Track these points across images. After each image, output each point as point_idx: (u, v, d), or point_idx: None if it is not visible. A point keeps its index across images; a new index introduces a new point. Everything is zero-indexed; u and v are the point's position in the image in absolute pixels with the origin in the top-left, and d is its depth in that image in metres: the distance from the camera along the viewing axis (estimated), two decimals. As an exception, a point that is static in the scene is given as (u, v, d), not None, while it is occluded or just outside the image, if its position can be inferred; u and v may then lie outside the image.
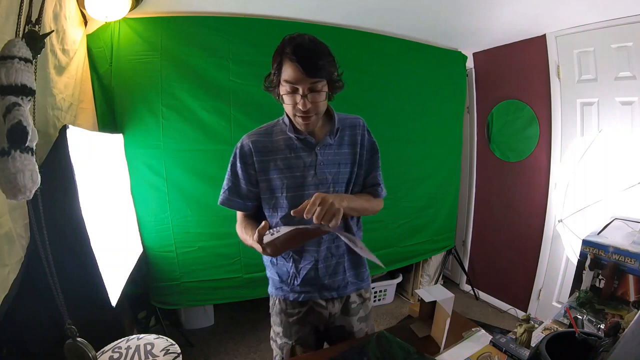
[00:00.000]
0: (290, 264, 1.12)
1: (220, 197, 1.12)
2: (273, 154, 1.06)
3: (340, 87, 1.04)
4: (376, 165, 1.16)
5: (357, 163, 1.11)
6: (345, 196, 1.04)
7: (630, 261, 1.10)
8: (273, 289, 1.20)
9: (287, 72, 0.94)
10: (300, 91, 0.94)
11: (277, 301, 1.18)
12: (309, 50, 0.93)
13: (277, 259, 1.15)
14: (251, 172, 1.07)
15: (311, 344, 1.19)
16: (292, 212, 0.87)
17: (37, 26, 0.93)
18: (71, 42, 1.45)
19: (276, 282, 1.18)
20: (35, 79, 0.82)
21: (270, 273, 1.20)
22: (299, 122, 1.01)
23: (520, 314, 2.56)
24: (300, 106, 0.95)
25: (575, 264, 1.30)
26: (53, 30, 1.23)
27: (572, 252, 1.73)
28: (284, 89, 0.97)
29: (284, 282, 1.16)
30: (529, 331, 0.96)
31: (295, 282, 1.13)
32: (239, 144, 1.11)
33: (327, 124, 1.09)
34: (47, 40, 1.00)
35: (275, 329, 1.20)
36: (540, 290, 2.50)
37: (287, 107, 1.00)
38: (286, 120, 1.08)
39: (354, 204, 1.05)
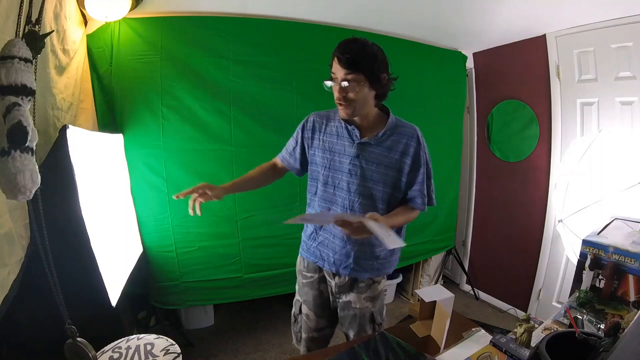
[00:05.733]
0: (314, 227, 1.33)
1: (281, 153, 1.38)
2: (323, 134, 1.26)
3: (386, 86, 1.19)
4: (418, 180, 1.24)
5: (403, 171, 1.21)
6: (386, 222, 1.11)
7: (630, 261, 1.10)
8: (301, 249, 1.41)
9: (333, 65, 1.13)
10: (338, 81, 1.11)
11: (300, 260, 1.40)
12: (349, 46, 1.09)
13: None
14: (305, 141, 1.30)
15: (317, 307, 1.37)
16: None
17: (37, 26, 0.93)
18: (71, 42, 1.45)
19: (304, 241, 1.39)
20: (36, 79, 0.82)
21: (303, 234, 1.40)
22: (339, 109, 1.17)
23: (520, 314, 2.56)
24: (336, 93, 1.13)
25: (575, 264, 1.30)
26: (53, 30, 1.23)
27: (572, 252, 1.73)
28: (332, 78, 1.14)
29: (305, 241, 1.37)
30: (529, 331, 0.96)
31: (313, 243, 1.33)
32: (307, 117, 1.32)
33: (380, 125, 1.22)
34: (47, 40, 1.00)
35: (296, 286, 1.44)
36: (540, 290, 2.50)
37: (334, 94, 1.16)
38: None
39: (391, 225, 1.13)
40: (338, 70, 1.10)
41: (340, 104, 1.14)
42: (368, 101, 1.16)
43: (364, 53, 1.09)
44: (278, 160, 1.40)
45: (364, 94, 1.13)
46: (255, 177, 1.37)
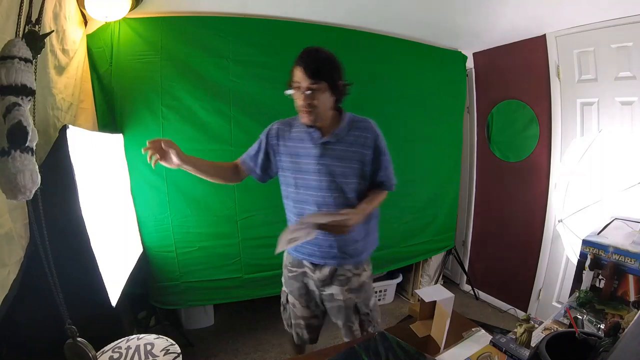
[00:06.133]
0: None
1: (242, 156, 1.44)
2: (287, 141, 1.34)
3: (345, 93, 1.28)
4: (382, 166, 1.33)
5: (365, 162, 1.30)
6: (361, 215, 1.25)
7: (630, 261, 1.10)
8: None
9: (295, 73, 1.20)
10: (302, 89, 1.19)
11: (286, 256, 1.49)
12: (313, 57, 1.19)
13: (292, 218, 1.41)
14: (269, 147, 1.38)
15: (302, 298, 1.47)
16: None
17: (37, 26, 0.93)
18: (71, 42, 1.45)
19: None
20: (35, 79, 0.82)
21: None
22: (302, 116, 1.25)
23: (520, 314, 2.56)
24: (299, 101, 1.21)
25: (575, 264, 1.30)
26: (53, 30, 1.23)
27: (572, 252, 1.73)
28: (294, 87, 1.22)
29: None
30: (529, 331, 0.96)
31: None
32: (270, 125, 1.40)
33: (337, 124, 1.30)
34: (47, 40, 1.00)
35: (282, 279, 1.53)
36: (540, 290, 2.50)
37: (296, 102, 1.24)
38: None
39: (368, 212, 1.29)
40: (303, 79, 1.18)
41: (305, 111, 1.22)
42: (328, 106, 1.25)
43: (326, 63, 1.20)
44: (239, 162, 1.44)
45: (326, 100, 1.23)
46: (216, 167, 1.41)
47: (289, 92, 1.23)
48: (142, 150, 1.20)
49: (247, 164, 1.42)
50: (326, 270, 1.37)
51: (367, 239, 1.41)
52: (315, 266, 1.39)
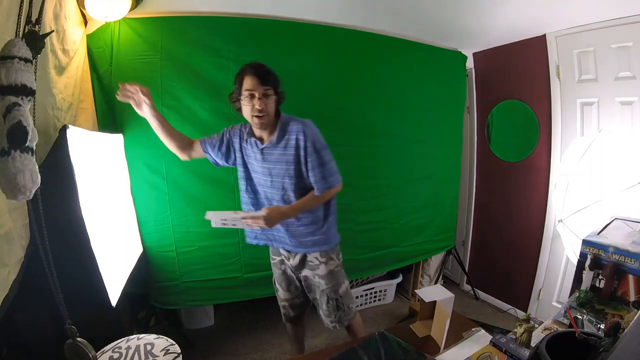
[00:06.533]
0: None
1: (204, 139, 1.59)
2: (243, 142, 1.53)
3: (283, 98, 1.46)
4: (310, 167, 1.44)
5: (300, 162, 1.44)
6: (283, 215, 1.45)
7: (630, 261, 1.10)
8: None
9: (247, 83, 1.36)
10: (257, 95, 1.35)
11: (270, 247, 1.70)
12: (260, 67, 1.38)
13: (244, 209, 1.64)
14: (231, 143, 1.56)
15: (282, 283, 1.73)
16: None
17: (37, 26, 0.93)
18: (71, 42, 1.45)
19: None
20: (35, 79, 0.82)
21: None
22: (255, 122, 1.40)
23: (520, 314, 2.56)
24: (257, 106, 1.36)
25: (575, 264, 1.30)
26: (53, 30, 1.22)
27: (572, 252, 1.73)
28: (245, 96, 1.37)
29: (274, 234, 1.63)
30: (529, 331, 0.96)
31: (277, 234, 1.59)
32: (232, 126, 1.58)
33: (273, 131, 1.45)
34: (47, 40, 1.00)
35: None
36: (540, 290, 2.50)
37: (246, 110, 1.40)
38: (249, 124, 1.49)
39: (297, 213, 1.49)
40: (256, 86, 1.35)
41: (259, 116, 1.38)
42: (273, 112, 1.42)
43: (270, 72, 1.40)
44: (197, 142, 1.59)
45: (273, 106, 1.41)
46: (175, 133, 1.55)
47: (244, 100, 1.38)
48: (119, 88, 1.38)
49: (206, 148, 1.58)
50: (297, 258, 1.60)
51: (320, 233, 1.56)
52: (289, 253, 1.62)
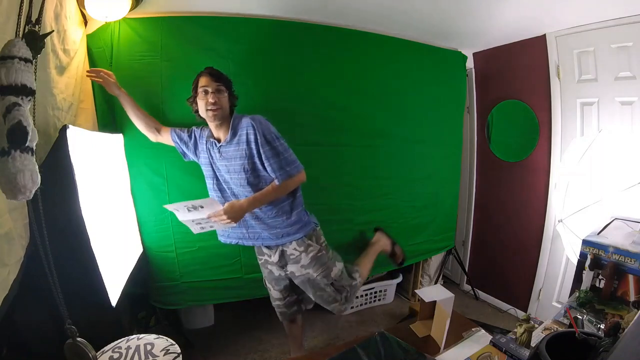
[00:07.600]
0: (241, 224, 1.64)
1: (175, 129, 1.72)
2: (207, 143, 1.63)
3: (235, 101, 1.61)
4: (265, 157, 1.51)
5: (253, 156, 1.52)
6: (242, 209, 1.52)
7: (630, 261, 1.10)
8: None
9: (202, 81, 1.52)
10: (210, 90, 1.50)
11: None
12: (213, 69, 1.56)
13: None
14: (195, 141, 1.68)
15: (272, 282, 1.79)
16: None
17: (37, 26, 0.93)
18: (72, 42, 1.45)
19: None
20: (36, 79, 0.82)
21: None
22: (209, 115, 1.51)
23: (520, 314, 2.56)
24: (210, 99, 1.49)
25: (575, 264, 1.30)
26: (53, 30, 1.22)
27: (572, 252, 1.73)
28: (200, 92, 1.51)
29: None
30: (529, 331, 0.96)
31: (250, 232, 1.68)
32: (199, 127, 1.69)
33: (228, 130, 1.56)
34: (48, 40, 1.00)
35: None
36: (540, 290, 2.50)
37: (201, 106, 1.53)
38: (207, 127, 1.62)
39: (257, 205, 1.55)
40: (210, 83, 1.50)
41: (213, 110, 1.49)
42: (227, 109, 1.55)
43: (223, 74, 1.56)
44: (169, 130, 1.71)
45: (227, 103, 1.54)
46: (143, 113, 1.70)
47: (199, 96, 1.51)
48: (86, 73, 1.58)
49: (175, 138, 1.70)
50: (277, 253, 1.66)
51: (290, 224, 1.62)
52: (270, 250, 1.68)
